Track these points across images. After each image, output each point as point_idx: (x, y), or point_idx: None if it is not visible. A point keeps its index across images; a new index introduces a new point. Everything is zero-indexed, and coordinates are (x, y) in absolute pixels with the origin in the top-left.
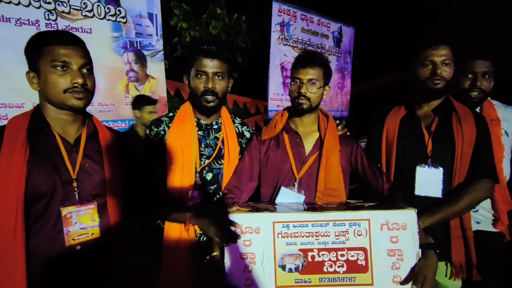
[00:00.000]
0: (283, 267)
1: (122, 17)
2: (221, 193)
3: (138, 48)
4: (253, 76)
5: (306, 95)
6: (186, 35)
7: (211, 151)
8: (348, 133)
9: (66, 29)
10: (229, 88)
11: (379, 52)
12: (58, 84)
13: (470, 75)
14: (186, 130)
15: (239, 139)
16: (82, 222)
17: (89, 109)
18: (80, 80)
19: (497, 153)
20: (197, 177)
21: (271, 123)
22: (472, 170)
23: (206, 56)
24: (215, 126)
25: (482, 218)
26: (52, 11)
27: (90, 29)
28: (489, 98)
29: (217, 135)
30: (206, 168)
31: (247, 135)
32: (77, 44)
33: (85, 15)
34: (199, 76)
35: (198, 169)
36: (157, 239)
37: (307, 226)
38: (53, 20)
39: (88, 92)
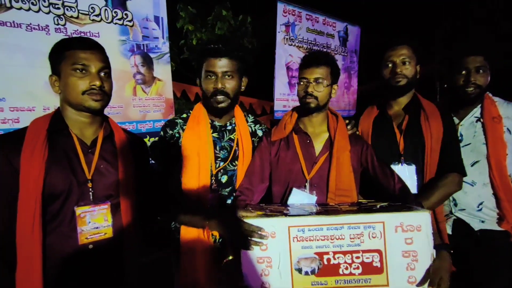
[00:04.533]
0: (299, 270)
1: (129, 21)
2: (235, 195)
3: (145, 51)
4: (259, 77)
5: (313, 94)
6: (192, 37)
7: (226, 153)
8: (358, 132)
9: (74, 34)
10: (242, 88)
11: (386, 50)
12: (77, 86)
13: (463, 71)
14: (201, 133)
15: (252, 139)
16: (95, 222)
17: None
18: (97, 83)
19: (500, 150)
20: (212, 180)
21: (280, 124)
22: (441, 165)
23: (214, 56)
24: (229, 127)
25: (486, 217)
26: (61, 16)
27: (98, 33)
28: (490, 95)
29: (231, 136)
30: (222, 170)
31: (260, 133)
32: (97, 49)
33: (93, 19)
34: (208, 77)
35: (214, 172)
36: (173, 240)
37: (322, 230)
38: (62, 25)
39: (105, 95)
